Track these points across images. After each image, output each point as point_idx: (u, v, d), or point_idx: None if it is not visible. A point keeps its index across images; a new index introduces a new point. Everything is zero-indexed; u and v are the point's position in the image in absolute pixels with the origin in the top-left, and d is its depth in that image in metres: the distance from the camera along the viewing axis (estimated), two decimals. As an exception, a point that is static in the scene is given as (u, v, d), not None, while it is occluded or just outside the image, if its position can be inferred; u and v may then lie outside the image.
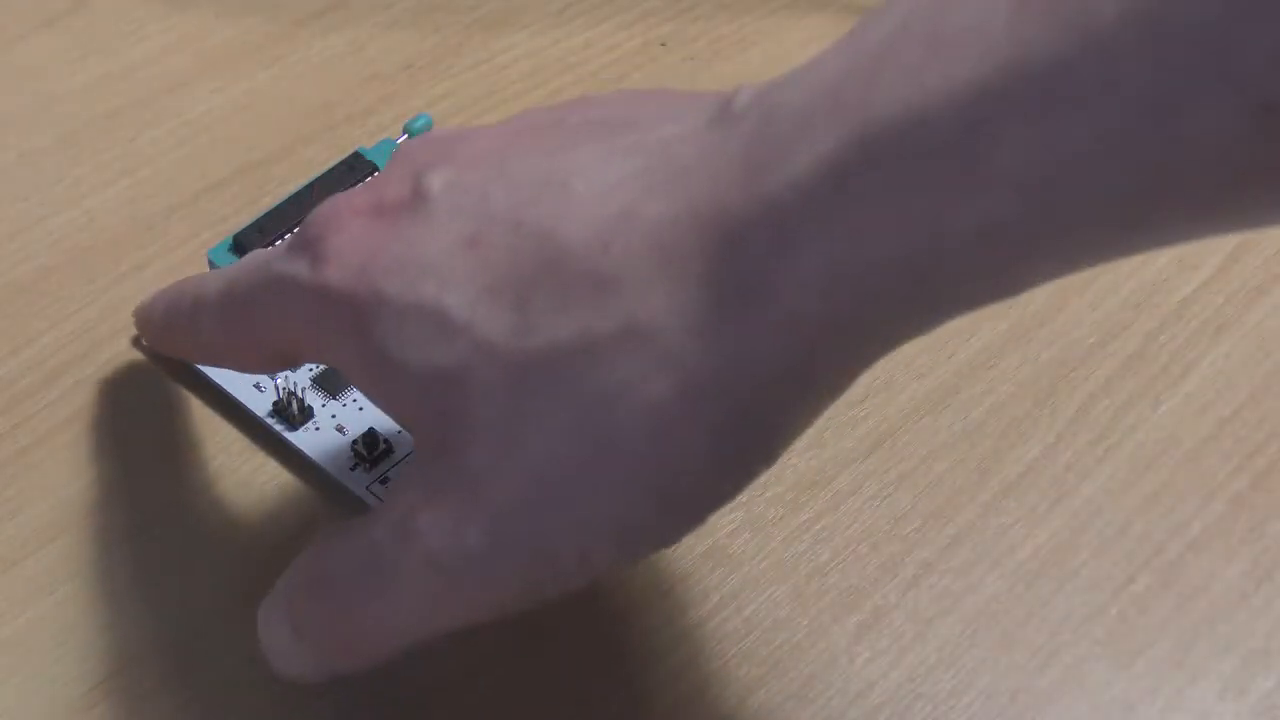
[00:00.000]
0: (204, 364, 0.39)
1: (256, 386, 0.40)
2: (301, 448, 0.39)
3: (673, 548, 0.38)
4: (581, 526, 0.28)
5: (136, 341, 0.41)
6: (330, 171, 0.42)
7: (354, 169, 0.42)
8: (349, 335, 0.29)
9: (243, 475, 0.39)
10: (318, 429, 0.39)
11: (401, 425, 0.31)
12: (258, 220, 0.41)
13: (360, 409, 0.39)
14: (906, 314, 0.26)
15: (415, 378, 0.28)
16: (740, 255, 0.26)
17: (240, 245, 0.40)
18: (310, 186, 0.41)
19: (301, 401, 0.39)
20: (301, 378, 0.40)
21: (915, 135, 0.24)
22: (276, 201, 0.41)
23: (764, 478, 0.39)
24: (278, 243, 0.41)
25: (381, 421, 0.39)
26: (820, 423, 0.40)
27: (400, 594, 0.29)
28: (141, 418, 0.40)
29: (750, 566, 0.38)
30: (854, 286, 0.25)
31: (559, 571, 0.28)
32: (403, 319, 0.28)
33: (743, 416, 0.27)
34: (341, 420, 0.39)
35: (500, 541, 0.28)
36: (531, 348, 0.27)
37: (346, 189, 0.41)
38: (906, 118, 0.24)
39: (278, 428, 0.39)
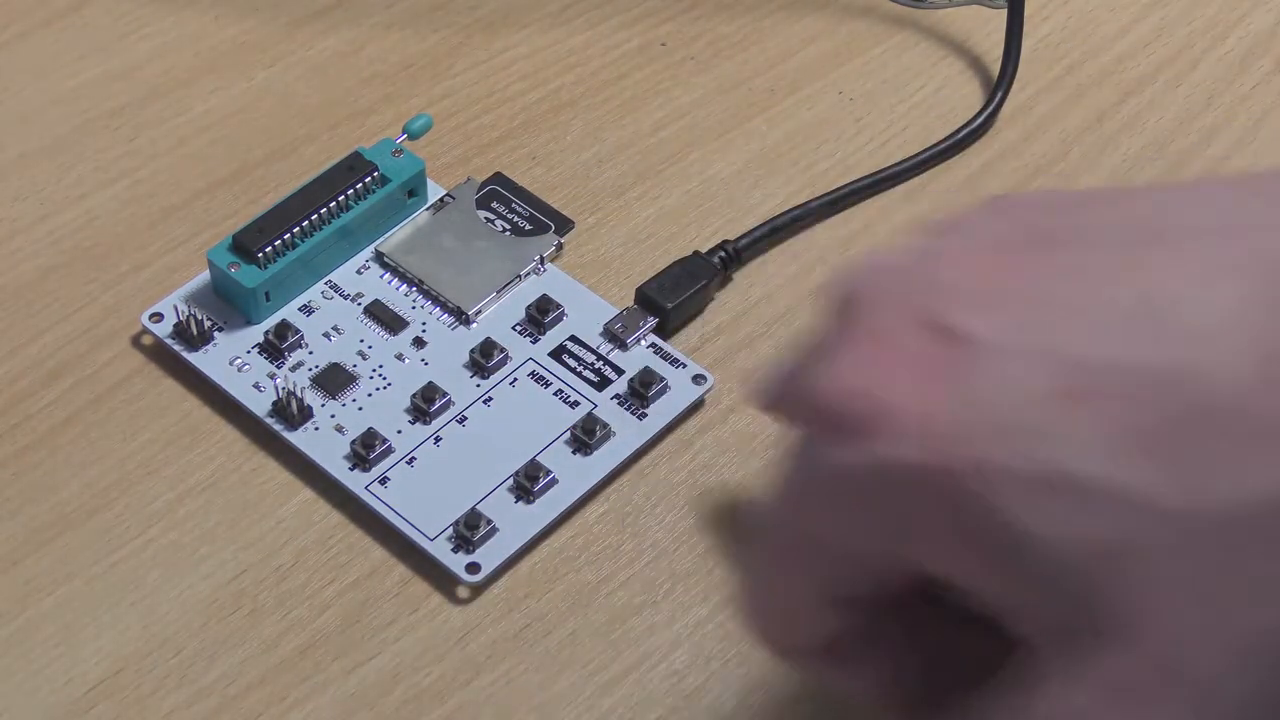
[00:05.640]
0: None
1: (256, 386, 0.40)
2: (301, 448, 0.39)
3: (673, 548, 0.38)
4: None
5: (136, 341, 0.41)
6: (330, 171, 0.42)
7: (354, 169, 0.42)
8: (944, 515, 0.25)
9: (243, 475, 0.39)
10: (317, 429, 0.39)
11: (1011, 611, 0.26)
12: (258, 220, 0.41)
13: (360, 409, 0.39)
14: None
15: (1053, 554, 0.25)
16: None
17: (240, 245, 0.40)
18: (310, 186, 0.41)
19: (301, 401, 0.39)
20: (301, 378, 0.40)
21: None
22: (276, 201, 0.41)
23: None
24: (276, 242, 0.40)
25: (381, 421, 0.39)
26: (820, 423, 0.40)
27: None
28: (141, 418, 0.40)
29: (750, 566, 0.38)
30: None
31: None
32: (1024, 489, 0.24)
33: None
34: (341, 420, 0.39)
35: None
36: (1213, 506, 0.24)
37: (346, 188, 0.41)
38: None
39: (278, 428, 0.39)
